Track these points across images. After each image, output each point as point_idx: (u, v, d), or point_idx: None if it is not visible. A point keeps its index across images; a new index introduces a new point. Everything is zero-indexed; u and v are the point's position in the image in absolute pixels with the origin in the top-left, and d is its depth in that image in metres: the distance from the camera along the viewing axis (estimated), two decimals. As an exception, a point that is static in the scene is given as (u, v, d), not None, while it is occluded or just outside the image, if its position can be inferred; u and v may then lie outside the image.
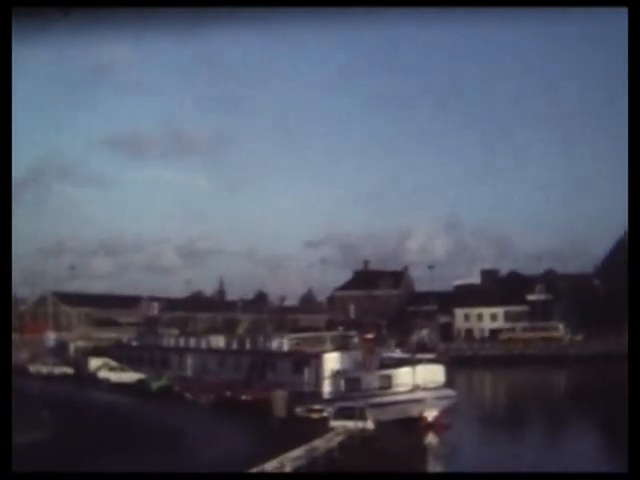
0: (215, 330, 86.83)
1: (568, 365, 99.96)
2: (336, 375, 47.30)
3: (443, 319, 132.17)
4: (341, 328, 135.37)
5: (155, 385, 53.38)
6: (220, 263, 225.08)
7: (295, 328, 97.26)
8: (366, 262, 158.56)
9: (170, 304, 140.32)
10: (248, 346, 56.83)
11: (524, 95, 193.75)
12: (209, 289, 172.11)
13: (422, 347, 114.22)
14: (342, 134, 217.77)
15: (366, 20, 10.96)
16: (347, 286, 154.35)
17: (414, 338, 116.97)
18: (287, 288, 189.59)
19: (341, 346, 51.99)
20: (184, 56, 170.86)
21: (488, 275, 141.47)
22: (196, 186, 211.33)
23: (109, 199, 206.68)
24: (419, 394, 44.64)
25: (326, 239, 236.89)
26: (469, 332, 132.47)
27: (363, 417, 32.58)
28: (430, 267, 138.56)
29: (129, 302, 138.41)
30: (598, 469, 32.72)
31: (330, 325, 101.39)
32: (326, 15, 10.24)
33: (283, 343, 53.95)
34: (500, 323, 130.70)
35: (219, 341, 60.91)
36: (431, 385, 45.32)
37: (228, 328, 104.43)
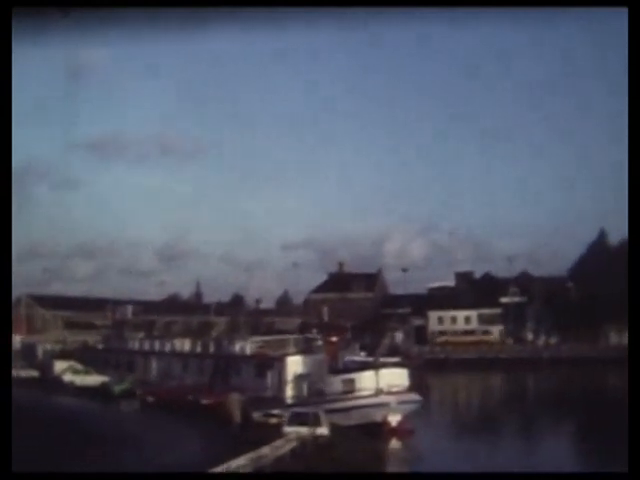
0: (189, 333, 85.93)
1: (541, 368, 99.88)
2: (299, 379, 46.44)
3: (417, 322, 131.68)
4: (314, 331, 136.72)
5: (117, 388, 52.48)
6: (198, 266, 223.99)
7: (269, 331, 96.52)
8: (341, 264, 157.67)
9: (145, 307, 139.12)
10: (212, 349, 56.04)
11: (522, 96, 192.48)
12: (187, 292, 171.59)
13: (394, 350, 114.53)
14: (322, 139, 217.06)
15: (366, 20, 10.95)
16: (321, 289, 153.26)
17: (386, 341, 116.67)
18: (264, 291, 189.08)
19: (305, 349, 51.19)
20: (173, 58, 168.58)
21: (462, 278, 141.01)
22: (174, 189, 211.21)
23: (87, 202, 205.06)
24: (382, 398, 43.80)
25: (303, 242, 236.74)
26: (443, 335, 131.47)
27: (317, 423, 31.60)
28: (404, 270, 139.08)
29: (103, 305, 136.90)
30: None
31: (303, 328, 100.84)
32: (324, 15, 10.17)
33: (246, 346, 53.21)
34: (474, 325, 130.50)
35: (184, 344, 60.06)
36: (395, 389, 44.44)
37: (202, 331, 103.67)
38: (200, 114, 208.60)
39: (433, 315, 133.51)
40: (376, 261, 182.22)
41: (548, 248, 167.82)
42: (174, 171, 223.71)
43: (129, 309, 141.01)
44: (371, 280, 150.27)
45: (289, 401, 45.43)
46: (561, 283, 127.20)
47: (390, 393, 44.07)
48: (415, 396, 45.11)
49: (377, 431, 41.81)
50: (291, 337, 56.01)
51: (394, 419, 43.25)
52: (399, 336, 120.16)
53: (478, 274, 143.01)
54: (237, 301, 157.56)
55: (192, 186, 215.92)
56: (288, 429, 30.28)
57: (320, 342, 52.52)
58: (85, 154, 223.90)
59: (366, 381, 44.77)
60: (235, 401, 35.36)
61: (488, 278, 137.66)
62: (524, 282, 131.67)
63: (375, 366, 47.32)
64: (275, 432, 30.76)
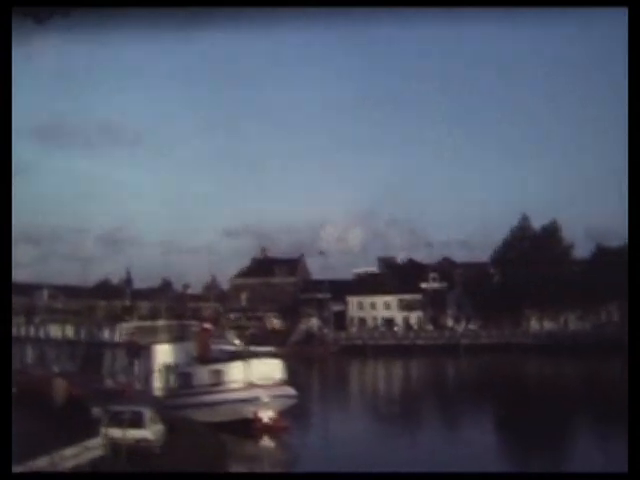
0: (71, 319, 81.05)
1: (460, 355, 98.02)
2: (167, 369, 42.32)
3: (337, 307, 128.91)
4: (232, 315, 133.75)
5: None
6: (139, 252, 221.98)
7: (195, 316, 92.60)
8: (263, 249, 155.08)
9: (65, 292, 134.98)
10: (83, 336, 51.77)
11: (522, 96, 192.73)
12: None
13: (310, 336, 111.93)
14: (265, 127, 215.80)
15: (365, 20, 11.08)
16: (244, 274, 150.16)
17: (302, 327, 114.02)
18: (201, 277, 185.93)
19: (178, 336, 47.09)
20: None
21: (385, 263, 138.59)
22: (117, 176, 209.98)
23: (30, 188, 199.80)
24: (253, 392, 39.65)
25: (244, 229, 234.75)
26: (362, 321, 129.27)
27: (138, 425, 27.48)
28: (321, 253, 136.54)
29: (24, 290, 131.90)
30: (495, 463, 32.81)
31: (179, 313, 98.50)
32: (323, 15, 10.18)
33: (116, 333, 48.96)
34: (394, 312, 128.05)
35: (57, 330, 55.67)
36: (267, 382, 40.29)
37: (122, 315, 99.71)
38: (146, 100, 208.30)
39: (353, 300, 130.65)
40: (314, 247, 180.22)
41: (485, 235, 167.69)
42: (119, 159, 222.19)
43: (44, 294, 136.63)
44: (293, 265, 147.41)
45: (157, 393, 41.67)
46: (483, 269, 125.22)
47: (262, 386, 39.97)
48: (289, 390, 40.73)
49: (248, 428, 38.13)
50: (163, 323, 51.65)
51: (266, 415, 39.32)
52: (314, 321, 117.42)
53: (398, 259, 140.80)
54: (165, 286, 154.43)
55: (136, 173, 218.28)
56: (106, 430, 26.12)
57: (195, 329, 48.41)
58: (29, 140, 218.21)
59: (235, 372, 40.47)
60: (58, 387, 31.46)
61: (411, 263, 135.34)
62: (446, 268, 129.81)
63: (245, 356, 43.10)
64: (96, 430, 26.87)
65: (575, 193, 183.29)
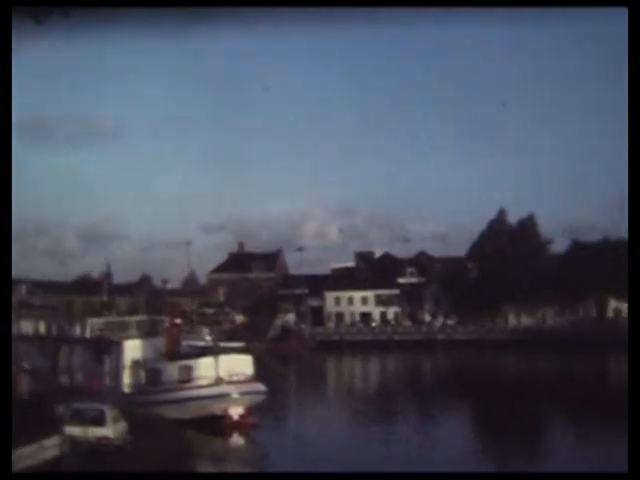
0: (94, 313, 79.74)
1: (436, 351, 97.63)
2: (136, 365, 41.29)
3: (315, 303, 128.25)
4: (210, 310, 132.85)
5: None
6: (120, 247, 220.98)
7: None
8: (241, 244, 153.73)
9: (44, 287, 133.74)
10: (54, 332, 50.58)
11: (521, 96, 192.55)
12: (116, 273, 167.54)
13: (287, 332, 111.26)
14: (242, 124, 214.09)
15: (365, 20, 11.16)
16: (221, 269, 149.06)
17: (278, 322, 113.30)
18: (181, 272, 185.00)
19: (149, 332, 46.05)
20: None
21: (363, 258, 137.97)
22: (98, 171, 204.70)
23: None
24: (222, 388, 38.73)
25: (224, 224, 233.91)
26: (340, 316, 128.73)
27: (100, 422, 26.52)
28: (300, 249, 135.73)
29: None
30: (471, 459, 32.45)
31: (149, 309, 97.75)
32: (321, 15, 10.23)
33: (86, 329, 47.79)
34: (371, 307, 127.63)
35: (29, 326, 54.37)
36: (236, 378, 39.26)
37: (101, 311, 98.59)
38: (129, 96, 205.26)
39: (330, 296, 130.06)
40: (294, 243, 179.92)
41: (461, 230, 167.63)
42: (99, 154, 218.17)
43: (23, 289, 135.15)
44: (271, 260, 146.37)
45: (127, 390, 40.68)
46: (461, 263, 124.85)
47: (231, 382, 39.00)
48: (260, 386, 39.75)
49: (217, 425, 37.21)
50: (133, 319, 50.51)
51: (236, 412, 38.39)
52: (291, 317, 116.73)
53: (376, 254, 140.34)
54: (144, 281, 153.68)
55: (116, 168, 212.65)
56: (67, 429, 25.22)
57: (167, 324, 47.31)
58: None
59: (204, 368, 39.40)
60: (20, 383, 30.57)
61: (388, 258, 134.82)
62: (423, 262, 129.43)
63: (215, 352, 41.97)
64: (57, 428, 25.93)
65: (553, 188, 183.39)
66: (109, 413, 26.50)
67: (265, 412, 41.27)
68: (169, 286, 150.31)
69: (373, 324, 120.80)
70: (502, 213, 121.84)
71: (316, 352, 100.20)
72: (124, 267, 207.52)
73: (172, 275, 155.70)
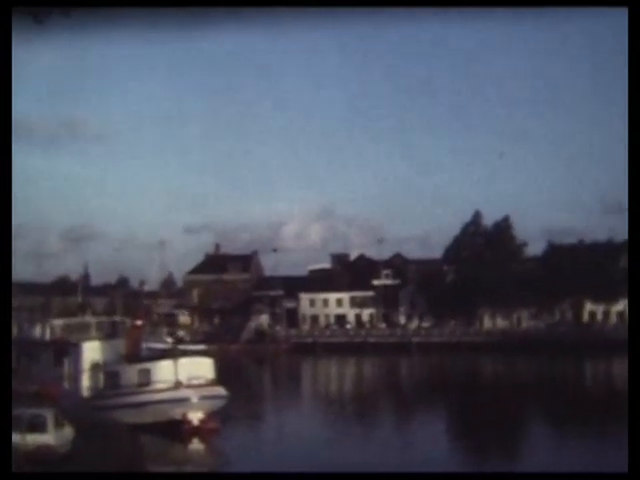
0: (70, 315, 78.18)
1: (411, 354, 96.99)
2: (95, 368, 39.96)
3: (290, 304, 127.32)
4: (186, 312, 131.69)
5: None
6: (99, 249, 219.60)
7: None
8: (217, 246, 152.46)
9: (20, 289, 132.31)
10: (15, 333, 49.01)
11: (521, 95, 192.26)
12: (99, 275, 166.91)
13: (261, 334, 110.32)
14: (225, 125, 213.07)
15: (364, 19, 11.16)
16: (197, 270, 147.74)
17: (252, 324, 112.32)
18: (159, 273, 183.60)
19: (109, 333, 44.78)
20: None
21: (338, 260, 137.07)
22: (80, 172, 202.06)
23: None
24: (182, 392, 37.51)
25: (205, 225, 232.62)
26: (315, 318, 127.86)
27: (40, 429, 24.74)
28: (274, 250, 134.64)
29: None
30: (447, 462, 32.16)
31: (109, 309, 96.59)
32: (319, 15, 10.25)
33: (46, 330, 46.31)
34: (346, 309, 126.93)
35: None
36: (196, 382, 38.11)
37: (75, 312, 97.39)
38: (112, 96, 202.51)
39: (305, 297, 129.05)
40: (273, 245, 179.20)
41: (441, 232, 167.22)
42: (82, 155, 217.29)
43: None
44: (246, 261, 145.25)
45: (86, 393, 39.36)
46: (437, 266, 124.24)
47: (191, 386, 37.82)
48: (220, 390, 38.56)
49: (176, 430, 35.90)
50: (94, 320, 48.96)
51: (195, 417, 37.05)
52: (265, 319, 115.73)
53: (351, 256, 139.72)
54: (121, 283, 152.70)
55: (99, 170, 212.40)
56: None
57: (128, 325, 45.89)
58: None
59: (163, 372, 38.15)
60: None
61: (363, 260, 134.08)
62: (398, 264, 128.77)
63: (174, 354, 40.68)
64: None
65: (530, 191, 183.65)
66: (50, 418, 24.81)
67: (238, 415, 40.53)
68: (146, 288, 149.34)
69: (348, 326, 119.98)
70: (477, 215, 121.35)
71: (290, 354, 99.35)
72: (104, 269, 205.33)
73: (150, 277, 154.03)
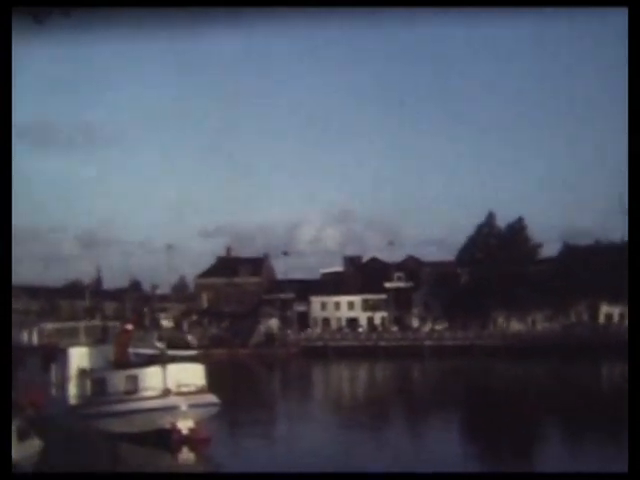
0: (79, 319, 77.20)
1: (424, 356, 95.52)
2: (82, 374, 38.30)
3: (301, 308, 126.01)
4: (195, 316, 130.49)
5: None
6: (114, 252, 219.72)
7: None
8: (228, 249, 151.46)
9: (28, 293, 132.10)
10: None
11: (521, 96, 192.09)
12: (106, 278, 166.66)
13: (270, 337, 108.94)
14: (244, 125, 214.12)
15: (363, 19, 11.25)
16: (208, 273, 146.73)
17: (261, 328, 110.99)
18: (172, 277, 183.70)
19: (99, 339, 43.14)
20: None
21: (351, 262, 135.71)
22: (96, 176, 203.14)
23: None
24: (171, 400, 35.63)
25: (219, 228, 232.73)
26: (326, 321, 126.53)
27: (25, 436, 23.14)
28: (285, 253, 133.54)
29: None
30: (460, 466, 31.02)
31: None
32: (318, 15, 10.22)
33: (34, 335, 44.84)
34: (357, 312, 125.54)
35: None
36: (186, 389, 36.24)
37: (85, 316, 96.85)
38: (125, 100, 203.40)
39: (316, 300, 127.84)
40: (289, 248, 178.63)
41: (458, 234, 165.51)
42: (98, 159, 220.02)
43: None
44: (257, 264, 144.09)
45: (73, 400, 37.79)
46: (450, 268, 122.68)
47: (180, 394, 35.95)
48: (211, 397, 36.63)
49: (165, 440, 34.22)
50: (82, 324, 47.31)
51: (185, 426, 35.20)
52: (274, 322, 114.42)
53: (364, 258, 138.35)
54: (133, 287, 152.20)
55: (114, 173, 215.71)
56: None
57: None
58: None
59: (151, 378, 36.26)
60: None
61: (375, 263, 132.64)
62: (411, 267, 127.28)
63: (162, 360, 38.32)
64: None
65: (545, 192, 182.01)
66: (14, 430, 22.79)
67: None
68: (158, 291, 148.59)
69: (360, 329, 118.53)
70: (491, 217, 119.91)
71: (300, 358, 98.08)
72: (116, 272, 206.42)
73: (162, 280, 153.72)
